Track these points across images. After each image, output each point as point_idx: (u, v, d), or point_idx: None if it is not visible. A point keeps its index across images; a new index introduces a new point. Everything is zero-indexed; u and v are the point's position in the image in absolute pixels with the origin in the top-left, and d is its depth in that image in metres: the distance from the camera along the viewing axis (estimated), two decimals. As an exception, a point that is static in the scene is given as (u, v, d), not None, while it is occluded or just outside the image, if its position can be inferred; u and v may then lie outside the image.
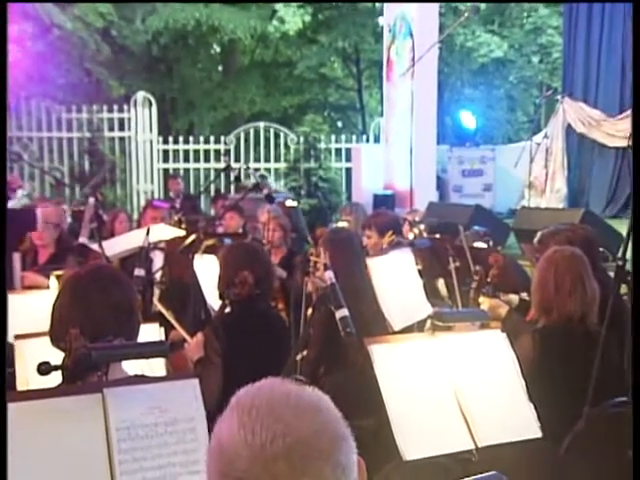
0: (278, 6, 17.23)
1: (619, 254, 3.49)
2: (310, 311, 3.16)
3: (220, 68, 20.44)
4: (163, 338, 3.03)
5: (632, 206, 3.34)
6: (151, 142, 13.76)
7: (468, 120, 12.90)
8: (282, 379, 1.20)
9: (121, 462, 1.78)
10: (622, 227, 3.44)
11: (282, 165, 13.62)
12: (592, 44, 11.11)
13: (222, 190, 13.13)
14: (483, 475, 1.06)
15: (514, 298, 4.28)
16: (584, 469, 2.83)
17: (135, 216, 10.07)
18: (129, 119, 13.69)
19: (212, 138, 13.96)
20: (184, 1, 16.53)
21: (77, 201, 10.80)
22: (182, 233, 5.17)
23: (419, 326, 4.03)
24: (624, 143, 4.14)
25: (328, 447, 1.09)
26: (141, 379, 2.01)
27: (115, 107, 13.69)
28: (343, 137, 14.04)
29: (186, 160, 13.85)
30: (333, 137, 13.94)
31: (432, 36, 10.76)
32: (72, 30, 14.77)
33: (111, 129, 13.71)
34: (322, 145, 13.27)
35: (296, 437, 1.07)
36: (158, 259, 5.67)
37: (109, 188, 13.33)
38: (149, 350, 2.07)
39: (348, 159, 13.47)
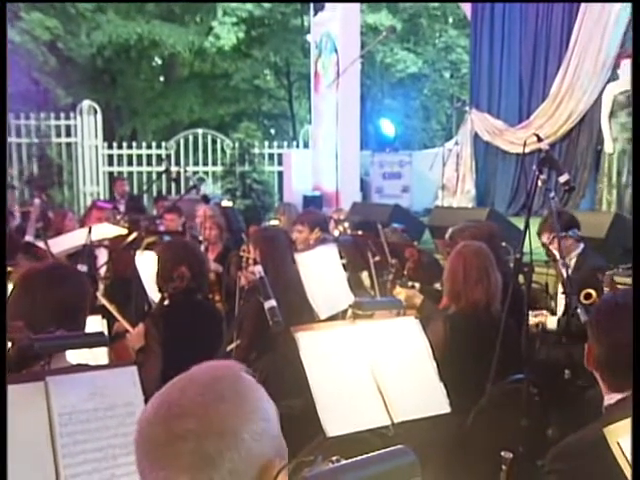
0: (214, 23, 17.12)
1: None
2: (242, 302, 3.14)
3: (161, 79, 20.16)
4: (105, 330, 2.97)
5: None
6: (96, 147, 13.49)
7: (388, 128, 13.01)
8: (213, 365, 1.17)
9: (63, 445, 1.74)
10: (522, 224, 3.54)
11: (219, 168, 13.53)
12: (494, 62, 11.33)
13: (163, 191, 12.98)
14: (389, 449, 1.06)
15: (426, 287, 4.34)
16: (487, 438, 2.89)
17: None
18: (75, 126, 13.38)
19: (154, 144, 13.83)
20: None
21: (25, 202, 10.51)
22: (124, 231, 5.09)
23: (343, 315, 4.05)
24: (525, 149, 4.24)
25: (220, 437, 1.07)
26: (82, 367, 1.96)
27: (62, 115, 13.37)
28: (275, 143, 14.03)
29: (130, 164, 13.64)
30: (266, 143, 13.90)
31: (354, 52, 10.84)
32: (20, 43, 14.37)
33: (58, 135, 13.37)
34: (256, 150, 13.22)
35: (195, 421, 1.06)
36: (102, 256, 5.57)
37: (57, 190, 13.01)
38: (89, 341, 2.03)
39: (280, 163, 13.44)
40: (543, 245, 4.52)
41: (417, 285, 4.72)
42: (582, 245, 4.54)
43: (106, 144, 13.63)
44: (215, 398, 1.08)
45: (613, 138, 7.52)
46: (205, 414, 1.07)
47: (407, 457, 1.06)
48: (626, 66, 7.51)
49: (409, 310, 3.78)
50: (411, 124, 18.96)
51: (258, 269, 2.48)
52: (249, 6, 16.92)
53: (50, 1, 15.12)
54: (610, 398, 1.83)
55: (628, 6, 9.28)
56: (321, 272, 4.20)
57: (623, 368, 1.79)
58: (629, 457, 1.37)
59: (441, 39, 18.63)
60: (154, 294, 3.92)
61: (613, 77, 7.78)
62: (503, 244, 4.69)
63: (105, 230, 5.13)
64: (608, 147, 7.66)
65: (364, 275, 5.30)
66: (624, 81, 7.56)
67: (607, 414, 1.77)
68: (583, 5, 9.74)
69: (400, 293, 4.07)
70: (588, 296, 3.71)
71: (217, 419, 1.07)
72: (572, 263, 4.45)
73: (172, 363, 3.05)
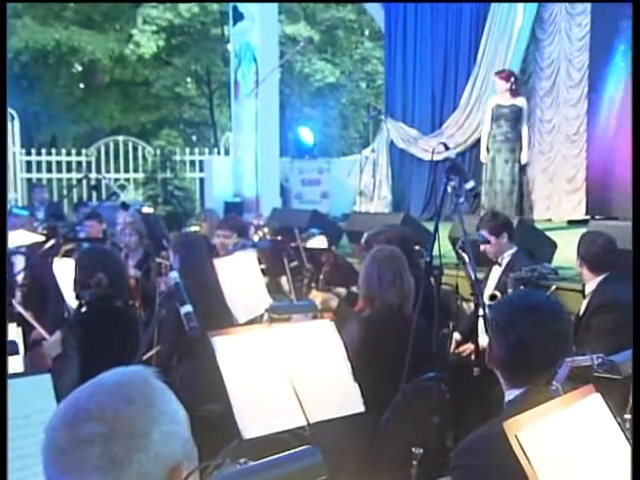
0: (134, 31, 16.83)
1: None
2: (160, 308, 3.10)
3: (81, 85, 19.67)
4: (20, 338, 2.87)
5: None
6: (14, 154, 13.05)
7: (307, 136, 13.04)
8: (120, 370, 1.16)
9: (-19, 456, 1.68)
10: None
11: (140, 175, 13.30)
12: (408, 74, 11.53)
13: (84, 198, 12.66)
14: (296, 450, 1.07)
15: (341, 291, 4.37)
16: (400, 435, 2.93)
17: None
18: (-8, 132, 12.91)
19: (74, 150, 13.48)
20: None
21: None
22: (41, 238, 4.94)
23: (262, 319, 4.04)
24: (437, 157, 4.34)
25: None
26: (-5, 377, 1.89)
27: (-23, 120, 12.89)
28: (197, 150, 13.89)
29: (49, 170, 13.25)
30: (187, 150, 13.77)
31: (273, 62, 10.84)
32: None
33: (-26, 141, 12.88)
34: (177, 157, 13.07)
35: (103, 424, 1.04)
36: (19, 263, 5.39)
37: (-27, 197, 12.51)
38: None
39: (201, 170, 13.31)
40: (453, 247, 4.60)
41: (340, 289, 4.75)
42: (515, 247, 4.64)
43: (24, 150, 13.20)
44: (123, 401, 1.07)
45: (496, 148, 7.81)
46: (113, 417, 1.05)
47: (313, 457, 1.06)
48: (500, 84, 7.86)
49: (326, 313, 3.81)
50: (330, 132, 19.10)
51: (174, 275, 2.45)
52: (169, 15, 16.72)
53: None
54: (510, 394, 1.88)
55: (530, 22, 9.64)
56: (239, 277, 4.18)
57: (520, 366, 1.86)
58: (527, 450, 1.41)
59: (357, 51, 18.85)
60: (72, 301, 3.83)
61: (517, 92, 8.08)
62: (417, 247, 4.77)
63: (21, 237, 4.96)
64: (484, 157, 7.98)
65: (283, 280, 5.31)
66: (502, 96, 7.88)
67: (507, 409, 1.82)
68: (489, 21, 10.05)
69: (317, 297, 4.10)
70: (493, 297, 3.82)
71: (126, 422, 1.05)
72: (504, 263, 4.53)
73: (89, 370, 2.98)
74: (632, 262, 2.99)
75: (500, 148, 7.76)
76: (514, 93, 7.85)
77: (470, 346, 4.19)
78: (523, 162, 7.79)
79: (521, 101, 7.86)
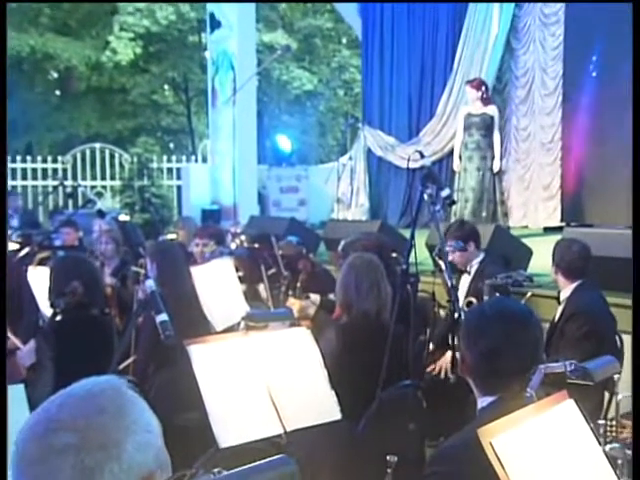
0: (111, 37, 16.76)
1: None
2: (137, 317, 3.08)
3: (57, 92, 19.53)
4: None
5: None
6: (-12, 161, 12.90)
7: (285, 143, 13.05)
8: (92, 380, 1.14)
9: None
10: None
11: (117, 183, 13.22)
12: (385, 82, 11.59)
13: (60, 206, 12.55)
14: (270, 459, 1.06)
15: (315, 298, 4.35)
16: (377, 443, 2.93)
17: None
18: (-35, 139, 12.76)
19: (50, 157, 13.37)
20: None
21: None
22: (16, 247, 4.88)
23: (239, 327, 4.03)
24: (413, 165, 4.35)
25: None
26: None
27: (-49, 127, 12.73)
28: (174, 157, 13.85)
29: (24, 178, 13.13)
30: (165, 157, 13.72)
31: (251, 69, 10.85)
32: None
33: (-52, 148, 12.72)
34: (154, 164, 13.02)
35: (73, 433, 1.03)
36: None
37: (-54, 205, 12.34)
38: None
39: (179, 177, 13.27)
40: (430, 254, 4.63)
41: (314, 296, 4.75)
42: (482, 254, 4.66)
43: (-1, 157, 13.07)
44: (95, 411, 1.06)
45: (468, 157, 7.88)
46: (85, 427, 1.04)
47: (287, 467, 1.06)
48: (471, 92, 7.96)
49: (303, 321, 3.81)
50: (308, 140, 19.13)
51: (149, 284, 2.43)
52: (146, 22, 16.66)
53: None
54: (483, 401, 1.89)
55: (505, 32, 9.74)
56: (216, 285, 4.17)
57: (492, 373, 1.86)
58: (501, 456, 1.42)
59: (335, 59, 18.92)
60: (47, 310, 3.79)
61: (489, 100, 8.17)
62: (394, 255, 4.79)
63: (-5, 246, 4.89)
64: (457, 165, 8.06)
65: (261, 287, 5.30)
66: (473, 104, 7.97)
67: (480, 417, 1.83)
68: (465, 30, 10.14)
69: (294, 304, 4.09)
70: (470, 304, 3.84)
71: (98, 431, 1.04)
72: (473, 271, 4.55)
73: (64, 379, 2.95)
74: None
75: (472, 156, 7.83)
76: (486, 101, 7.92)
77: (447, 357, 4.20)
78: (495, 170, 7.85)
79: (492, 109, 7.93)
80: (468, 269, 4.47)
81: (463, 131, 7.95)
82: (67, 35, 17.02)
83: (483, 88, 7.94)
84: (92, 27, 17.92)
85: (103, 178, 13.63)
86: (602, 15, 8.54)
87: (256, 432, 2.45)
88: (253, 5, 11.40)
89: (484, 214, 7.77)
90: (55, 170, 13.21)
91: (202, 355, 2.45)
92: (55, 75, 19.11)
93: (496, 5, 9.77)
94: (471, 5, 10.08)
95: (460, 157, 7.98)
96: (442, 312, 5.00)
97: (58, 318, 3.34)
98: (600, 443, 1.75)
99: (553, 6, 9.42)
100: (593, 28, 8.65)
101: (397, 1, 11.20)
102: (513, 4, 9.71)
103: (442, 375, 4.20)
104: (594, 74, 8.67)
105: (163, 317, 2.35)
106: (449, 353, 4.21)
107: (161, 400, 3.75)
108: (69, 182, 12.47)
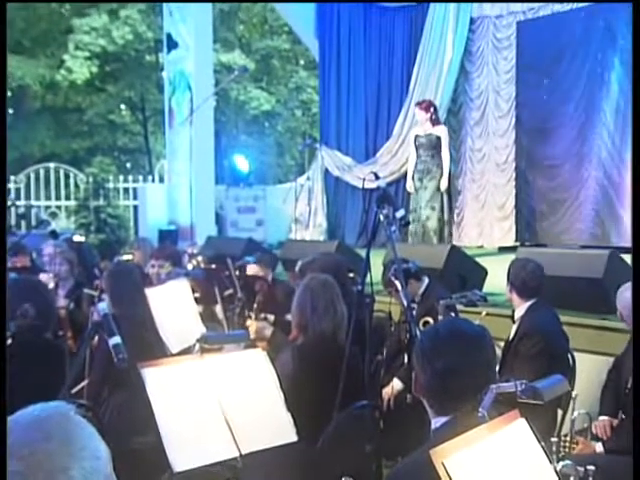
0: (66, 56, 16.61)
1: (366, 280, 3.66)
2: (91, 339, 3.03)
3: (11, 111, 19.25)
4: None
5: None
6: (-62, 180, 12.64)
7: (242, 163, 13.04)
8: (39, 407, 1.13)
9: None
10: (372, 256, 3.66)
11: (72, 203, 13.05)
12: (342, 103, 11.68)
13: (12, 226, 12.31)
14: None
15: (270, 318, 4.35)
16: (333, 464, 2.92)
17: None
18: None
19: (2, 177, 13.18)
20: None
21: None
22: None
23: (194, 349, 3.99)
24: (369, 185, 4.39)
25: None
26: None
27: None
28: (131, 177, 13.73)
29: (-25, 198, 12.87)
30: (121, 177, 13.59)
31: (208, 90, 10.86)
32: None
33: None
34: (110, 184, 12.89)
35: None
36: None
37: None
38: None
39: (135, 197, 13.15)
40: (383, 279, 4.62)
41: (270, 317, 4.74)
42: (426, 279, 4.70)
43: (-51, 177, 12.81)
44: (41, 438, 1.04)
45: (418, 178, 8.02)
46: (30, 454, 1.02)
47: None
48: (420, 114, 8.13)
49: (259, 342, 3.79)
50: (266, 160, 19.16)
51: (102, 306, 2.40)
52: (102, 41, 16.56)
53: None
54: (437, 422, 1.90)
55: (460, 55, 9.93)
56: (172, 307, 4.12)
57: (446, 393, 1.88)
58: (453, 477, 1.43)
59: (292, 79, 19.04)
60: (-3, 333, 3.70)
61: (438, 121, 8.29)
62: (351, 275, 4.80)
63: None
64: (409, 186, 8.19)
65: (218, 308, 5.26)
66: (422, 126, 8.14)
67: (434, 437, 1.84)
68: (420, 52, 10.30)
69: (251, 325, 4.08)
70: (426, 324, 3.87)
71: (44, 458, 1.03)
72: (418, 298, 4.57)
73: (15, 404, 2.88)
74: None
75: (422, 177, 7.99)
76: (435, 122, 8.07)
77: (394, 384, 4.23)
78: (442, 189, 7.97)
79: (440, 130, 8.08)
80: (416, 300, 4.47)
81: (415, 152, 8.09)
82: (21, 54, 16.82)
83: (432, 109, 8.08)
84: (47, 46, 17.74)
85: (58, 198, 13.45)
86: (553, 39, 8.79)
87: (211, 455, 2.42)
88: (210, 26, 11.43)
89: (432, 234, 7.89)
90: (7, 190, 12.99)
91: (156, 378, 2.41)
92: (8, 94, 18.84)
93: (450, 29, 9.96)
94: (426, 28, 10.25)
95: (413, 178, 8.10)
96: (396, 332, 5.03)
97: (9, 342, 3.26)
98: (552, 461, 1.77)
99: (506, 30, 9.65)
100: (544, 52, 8.88)
101: (354, 1, 11.27)
102: (467, 28, 9.91)
103: (390, 404, 4.20)
104: (544, 97, 8.89)
105: (116, 340, 2.32)
106: (395, 381, 4.25)
107: (115, 423, 3.70)
108: (22, 202, 12.27)
